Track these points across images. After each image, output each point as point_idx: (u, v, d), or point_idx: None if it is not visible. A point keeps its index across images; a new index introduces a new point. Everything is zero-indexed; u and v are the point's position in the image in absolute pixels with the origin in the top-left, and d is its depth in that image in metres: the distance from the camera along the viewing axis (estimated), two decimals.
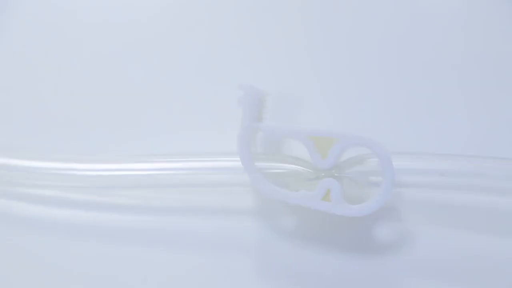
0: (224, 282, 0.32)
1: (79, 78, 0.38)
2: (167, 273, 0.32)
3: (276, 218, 0.33)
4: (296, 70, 0.37)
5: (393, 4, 0.39)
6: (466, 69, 0.37)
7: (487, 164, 0.31)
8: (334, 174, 0.31)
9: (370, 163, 0.31)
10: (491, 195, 0.32)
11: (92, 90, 0.38)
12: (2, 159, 0.34)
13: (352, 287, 0.31)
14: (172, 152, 0.34)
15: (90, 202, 0.34)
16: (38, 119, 0.37)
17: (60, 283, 0.32)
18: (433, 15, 0.39)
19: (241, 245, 0.32)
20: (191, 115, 0.36)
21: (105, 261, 0.33)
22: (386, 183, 0.30)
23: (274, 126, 0.31)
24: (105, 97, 0.37)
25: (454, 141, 0.35)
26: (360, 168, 0.31)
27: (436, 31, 0.38)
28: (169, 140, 0.36)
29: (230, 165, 0.32)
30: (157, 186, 0.33)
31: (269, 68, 0.38)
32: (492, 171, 0.31)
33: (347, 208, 0.30)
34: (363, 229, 0.32)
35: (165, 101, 0.37)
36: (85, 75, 0.38)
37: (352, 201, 0.30)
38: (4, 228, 0.34)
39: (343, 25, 0.39)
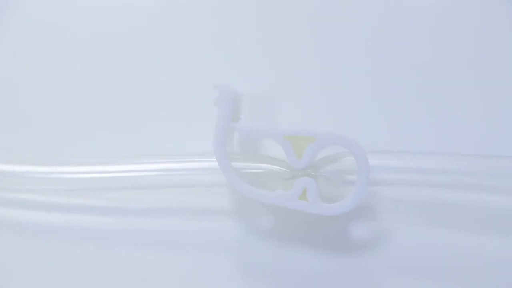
0: (202, 281, 0.32)
1: (79, 78, 0.38)
2: (146, 273, 0.32)
3: (253, 218, 0.33)
4: (289, 70, 0.37)
5: (381, 1, 0.39)
6: (455, 65, 0.36)
7: (464, 162, 0.31)
8: (310, 173, 0.31)
9: (346, 162, 0.31)
10: (468, 192, 0.32)
11: (91, 90, 0.38)
12: None
13: (330, 285, 0.31)
14: (155, 153, 0.34)
15: (72, 205, 0.35)
16: (37, 119, 0.38)
17: (51, 284, 0.33)
18: (422, 11, 0.38)
19: (219, 245, 0.33)
20: (190, 116, 0.36)
21: (87, 261, 0.33)
22: (362, 182, 0.30)
23: (250, 126, 0.31)
24: (105, 97, 0.38)
25: (440, 139, 0.34)
26: (336, 166, 0.31)
27: (427, 28, 0.37)
28: (169, 140, 0.36)
29: (207, 165, 0.32)
30: (135, 187, 0.34)
31: (256, 68, 0.37)
32: (470, 168, 0.30)
33: (324, 207, 0.30)
34: (340, 227, 0.32)
35: (163, 102, 0.37)
36: (84, 76, 0.38)
37: (329, 200, 0.30)
38: None
39: (328, 23, 0.38)
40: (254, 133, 0.31)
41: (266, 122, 0.35)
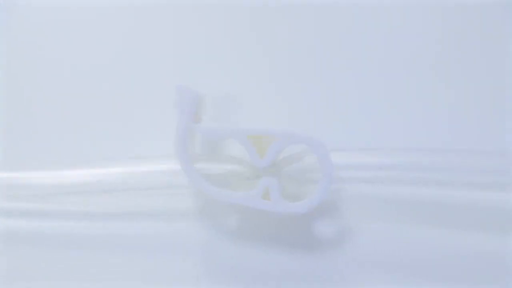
0: (169, 282, 0.32)
1: (77, 79, 0.38)
2: (111, 276, 0.32)
3: (218, 218, 0.33)
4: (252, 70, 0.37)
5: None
6: (440, 63, 0.36)
7: (424, 157, 0.31)
8: (273, 172, 0.31)
9: (309, 160, 0.31)
10: (430, 187, 0.32)
11: (90, 91, 0.38)
12: None
13: (296, 283, 0.31)
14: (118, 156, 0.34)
15: (32, 210, 0.34)
16: (36, 119, 0.37)
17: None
18: (408, 8, 0.38)
19: (184, 246, 0.32)
20: (151, 119, 0.36)
21: (47, 265, 0.33)
22: (325, 180, 0.30)
23: (211, 127, 0.31)
24: (103, 97, 0.37)
25: (428, 136, 0.34)
26: (300, 165, 0.31)
27: (409, 23, 0.37)
28: (131, 143, 0.35)
29: (170, 168, 0.32)
30: (99, 191, 0.33)
31: (221, 68, 0.37)
32: (434, 164, 0.31)
33: (287, 205, 0.30)
34: (306, 226, 0.32)
35: (158, 103, 0.37)
36: (83, 77, 0.38)
37: (293, 198, 0.30)
38: None
39: (304, 19, 0.38)
40: (215, 134, 0.31)
41: (228, 123, 0.35)
